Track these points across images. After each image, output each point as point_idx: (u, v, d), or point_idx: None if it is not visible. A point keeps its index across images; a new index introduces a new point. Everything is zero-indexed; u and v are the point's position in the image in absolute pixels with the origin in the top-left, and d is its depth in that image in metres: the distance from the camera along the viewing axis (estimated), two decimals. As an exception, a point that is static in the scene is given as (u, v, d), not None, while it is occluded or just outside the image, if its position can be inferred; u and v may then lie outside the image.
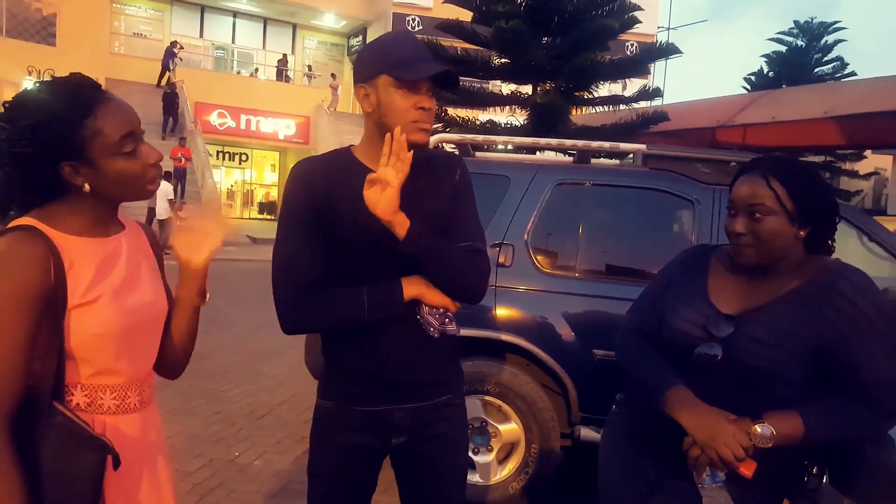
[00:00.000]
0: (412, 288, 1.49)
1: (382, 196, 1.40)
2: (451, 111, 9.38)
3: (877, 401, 1.39)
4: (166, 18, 25.49)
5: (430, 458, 1.61)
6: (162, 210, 13.82)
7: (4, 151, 1.17)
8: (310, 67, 27.62)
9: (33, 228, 1.17)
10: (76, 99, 1.19)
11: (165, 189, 14.57)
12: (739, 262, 1.52)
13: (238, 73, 26.79)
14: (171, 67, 21.35)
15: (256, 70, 26.95)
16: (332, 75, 26.13)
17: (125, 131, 1.22)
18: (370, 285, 1.48)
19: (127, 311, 1.24)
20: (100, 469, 1.15)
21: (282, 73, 26.37)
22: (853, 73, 17.91)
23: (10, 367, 1.11)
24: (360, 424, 1.56)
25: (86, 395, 1.22)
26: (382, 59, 1.47)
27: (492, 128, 9.02)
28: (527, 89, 9.43)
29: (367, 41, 27.51)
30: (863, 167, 18.91)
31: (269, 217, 26.64)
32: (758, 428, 1.36)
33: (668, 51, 8.21)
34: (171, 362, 1.42)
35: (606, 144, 3.52)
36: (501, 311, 3.20)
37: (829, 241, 1.52)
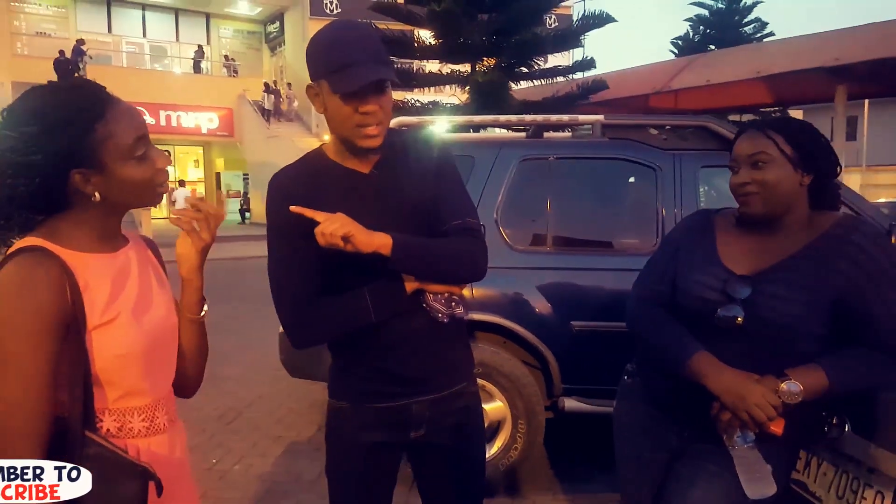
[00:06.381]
0: (413, 279, 1.44)
1: (339, 244, 1.32)
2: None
3: (894, 347, 1.43)
4: (70, 15, 24.16)
5: (449, 449, 1.58)
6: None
7: (7, 162, 1.07)
8: (227, 57, 26.68)
9: (42, 248, 1.08)
10: (85, 102, 1.11)
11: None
12: (748, 214, 1.53)
13: (153, 68, 25.66)
14: (81, 66, 20.22)
15: (171, 63, 25.88)
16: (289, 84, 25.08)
17: (137, 134, 1.16)
18: (371, 285, 1.43)
19: (146, 327, 1.18)
20: (143, 497, 1.08)
21: (199, 64, 25.42)
22: (772, 33, 18.48)
23: (37, 401, 1.02)
24: (377, 421, 1.52)
25: (115, 420, 1.16)
26: (321, 61, 1.38)
27: (434, 108, 8.95)
28: (466, 68, 9.39)
29: (285, 27, 26.25)
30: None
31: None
32: (785, 385, 1.38)
33: (605, 19, 8.34)
34: (184, 380, 1.35)
35: (565, 118, 3.54)
36: (478, 292, 3.18)
37: (835, 198, 1.56)
